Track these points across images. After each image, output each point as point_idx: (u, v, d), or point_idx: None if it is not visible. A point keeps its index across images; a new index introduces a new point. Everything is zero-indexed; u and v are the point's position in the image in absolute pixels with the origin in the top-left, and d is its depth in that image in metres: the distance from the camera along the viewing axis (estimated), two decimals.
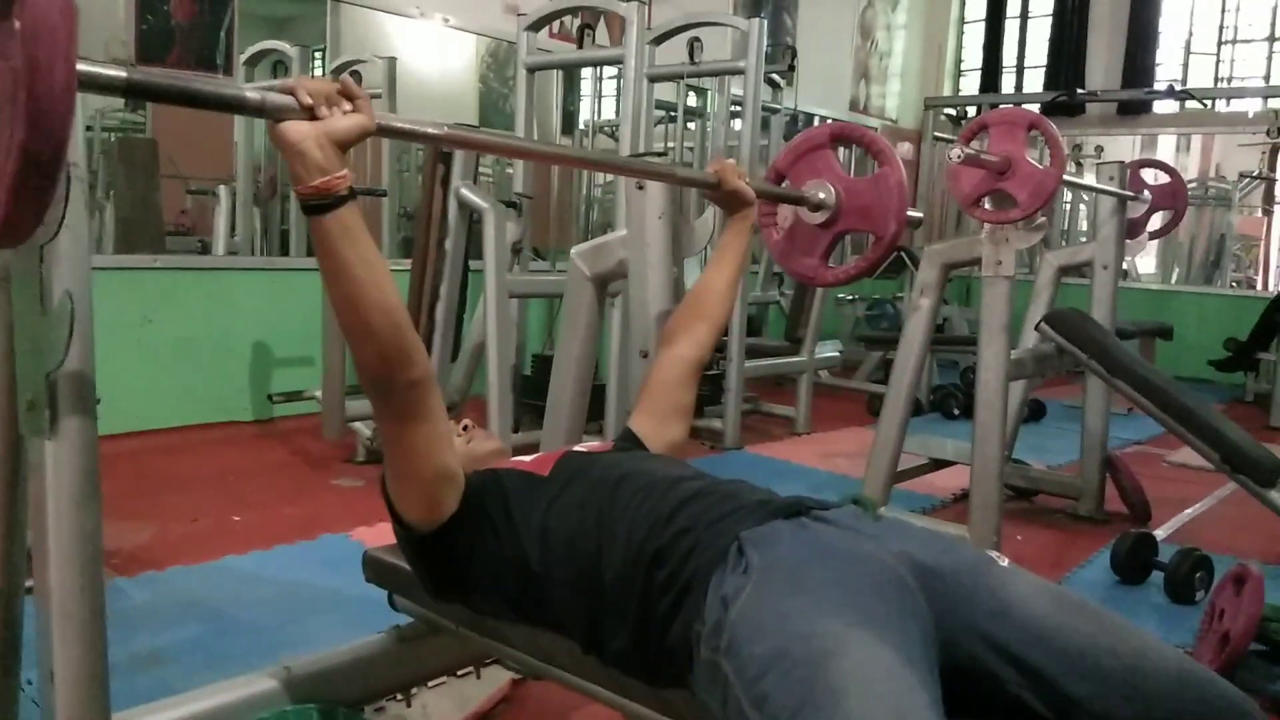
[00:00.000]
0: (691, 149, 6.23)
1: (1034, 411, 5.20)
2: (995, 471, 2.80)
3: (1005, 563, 1.22)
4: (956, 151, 2.44)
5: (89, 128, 5.06)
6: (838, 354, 5.41)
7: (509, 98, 5.67)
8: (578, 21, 4.44)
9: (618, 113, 5.19)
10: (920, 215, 1.82)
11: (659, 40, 4.58)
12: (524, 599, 1.32)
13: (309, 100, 1.07)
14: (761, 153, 6.67)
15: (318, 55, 5.40)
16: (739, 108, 6.76)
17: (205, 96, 1.05)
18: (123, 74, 0.96)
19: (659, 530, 1.21)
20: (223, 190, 5.06)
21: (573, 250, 2.01)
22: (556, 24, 5.07)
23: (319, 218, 1.09)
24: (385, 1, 5.24)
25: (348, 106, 1.10)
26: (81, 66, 0.88)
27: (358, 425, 3.83)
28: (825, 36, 7.65)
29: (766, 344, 5.52)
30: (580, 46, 4.08)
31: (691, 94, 6.10)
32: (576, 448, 1.54)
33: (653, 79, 4.63)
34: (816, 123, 7.61)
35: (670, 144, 6.09)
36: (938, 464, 3.51)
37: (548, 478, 1.37)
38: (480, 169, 3.75)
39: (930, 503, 3.58)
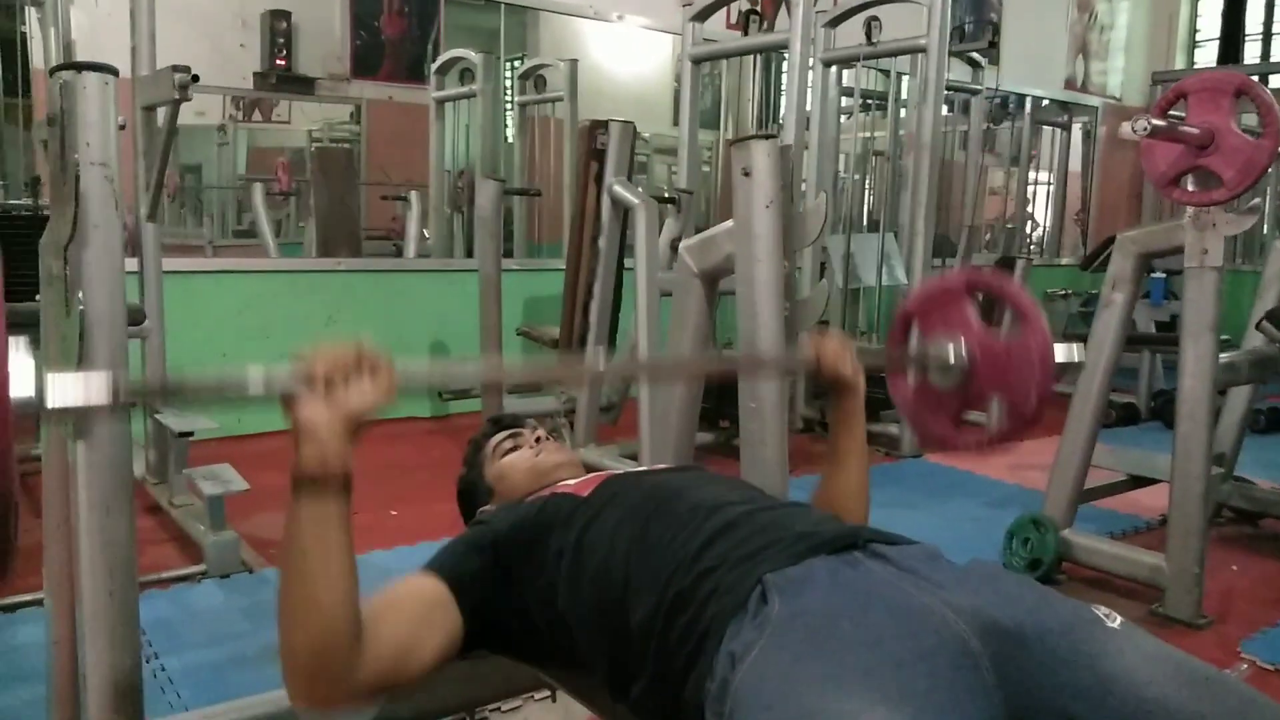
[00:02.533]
0: (870, 137, 5.90)
1: (1271, 421, 4.55)
2: (1198, 491, 2.43)
3: (1116, 623, 0.98)
4: (1141, 123, 2.10)
5: (317, 138, 5.42)
6: None
7: (705, 94, 5.58)
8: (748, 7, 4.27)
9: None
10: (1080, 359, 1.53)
11: (836, 22, 4.36)
12: (553, 640, 1.19)
13: (319, 380, 0.97)
14: (961, 138, 6.27)
15: (513, 62, 5.53)
16: (945, 91, 6.44)
17: (205, 390, 0.96)
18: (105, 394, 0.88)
19: (685, 569, 1.06)
20: (413, 195, 5.26)
21: (680, 244, 1.88)
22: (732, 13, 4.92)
23: (305, 499, 0.98)
24: (582, 8, 5.27)
25: (366, 378, 0.99)
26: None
27: None
28: (1035, 11, 7.06)
29: None
30: (745, 33, 3.91)
31: (884, 78, 5.79)
32: (632, 469, 1.41)
33: (828, 63, 4.43)
34: (1029, 105, 7.04)
35: (864, 133, 5.80)
36: (1138, 481, 3.10)
37: (587, 499, 1.25)
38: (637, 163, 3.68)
39: (1130, 525, 3.17)
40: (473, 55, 5.10)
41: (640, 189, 3.15)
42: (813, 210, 1.88)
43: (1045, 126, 7.37)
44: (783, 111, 4.73)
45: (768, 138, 1.69)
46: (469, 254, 5.13)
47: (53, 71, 1.11)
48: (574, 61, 5.37)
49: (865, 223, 5.60)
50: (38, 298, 2.75)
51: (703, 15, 4.03)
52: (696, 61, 4.10)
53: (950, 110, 6.80)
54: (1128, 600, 2.57)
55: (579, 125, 4.85)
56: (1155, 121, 2.12)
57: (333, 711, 1.01)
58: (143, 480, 3.28)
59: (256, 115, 5.28)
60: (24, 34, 3.83)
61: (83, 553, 1.13)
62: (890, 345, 1.61)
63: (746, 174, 1.73)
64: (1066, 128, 7.36)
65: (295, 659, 0.99)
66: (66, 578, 1.22)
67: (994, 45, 5.37)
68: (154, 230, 3.07)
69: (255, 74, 4.78)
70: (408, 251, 5.15)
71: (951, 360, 1.47)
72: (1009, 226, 6.44)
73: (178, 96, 2.66)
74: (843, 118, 5.37)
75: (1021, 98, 7.04)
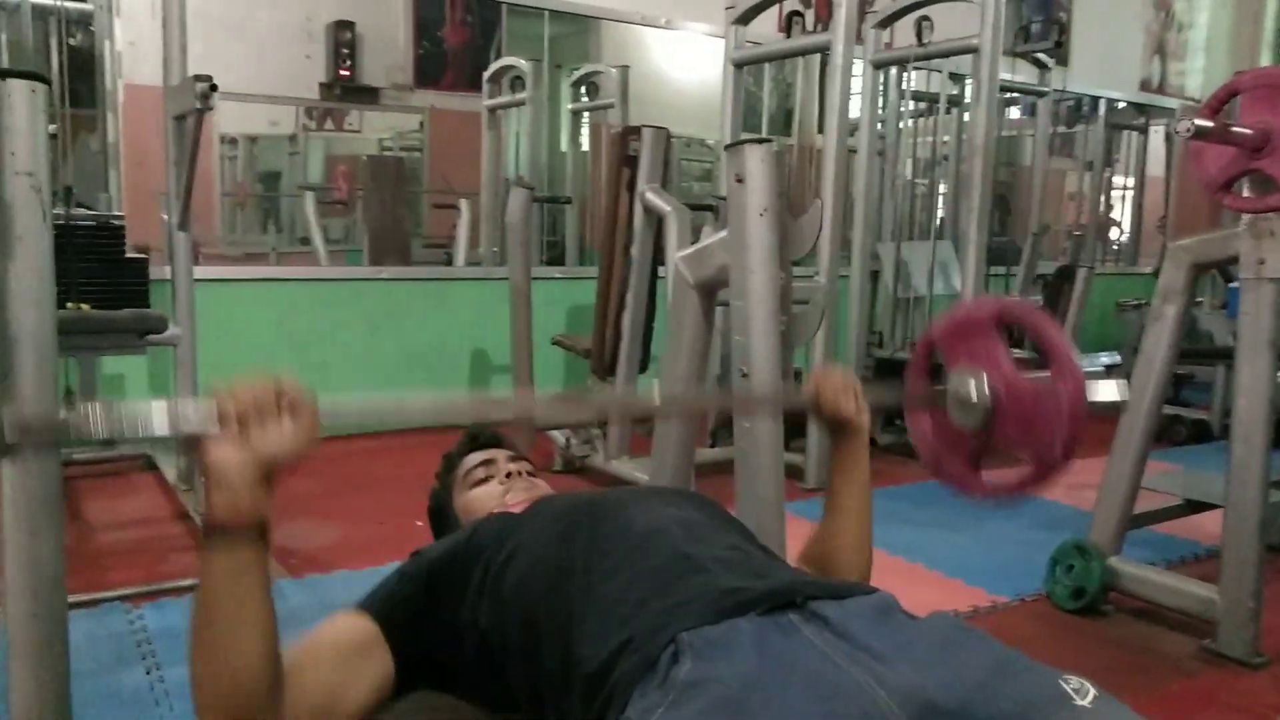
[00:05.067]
0: (943, 141, 5.72)
1: None
2: (1254, 519, 2.25)
3: (1088, 699, 0.85)
4: (1185, 124, 1.95)
5: (387, 147, 5.48)
6: (1102, 368, 4.72)
7: (772, 98, 5.47)
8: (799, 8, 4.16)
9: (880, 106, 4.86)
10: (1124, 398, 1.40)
11: (886, 23, 4.22)
12: (483, 673, 1.11)
13: (232, 420, 0.89)
14: (1029, 142, 6.04)
15: (574, 70, 5.52)
16: (1011, 94, 6.20)
17: (103, 429, 0.87)
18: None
19: (600, 613, 0.97)
20: (463, 204, 5.26)
21: (676, 255, 1.79)
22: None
23: (215, 546, 0.91)
24: (641, 15, 5.23)
25: (286, 419, 0.91)
26: None
27: (554, 434, 3.80)
28: (1108, 10, 6.78)
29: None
30: (789, 35, 3.80)
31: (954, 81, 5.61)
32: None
33: (878, 65, 4.30)
34: (1102, 108, 6.77)
35: (927, 137, 5.63)
36: (1196, 505, 2.91)
37: (518, 517, 1.17)
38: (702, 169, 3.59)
39: (1186, 552, 2.97)
40: (523, 63, 5.09)
41: (708, 197, 3.06)
42: (809, 219, 1.78)
43: (1124, 130, 7.09)
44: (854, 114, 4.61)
45: (761, 142, 1.60)
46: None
47: None
48: (625, 68, 5.32)
49: (936, 229, 5.41)
50: (69, 305, 2.78)
51: (746, 18, 3.94)
52: (739, 65, 4.00)
53: (1023, 114, 6.58)
54: (1178, 634, 2.40)
55: (611, 131, 4.81)
56: (1201, 122, 1.96)
57: None
58: (174, 487, 3.32)
59: (329, 125, 5.36)
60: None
61: (8, 574, 1.10)
62: (911, 374, 1.50)
63: (740, 180, 1.64)
64: (1144, 131, 7.06)
65: (207, 711, 0.93)
66: None
67: (1060, 45, 5.16)
68: (185, 239, 3.10)
69: (320, 84, 4.84)
70: (457, 260, 5.15)
71: (973, 399, 1.36)
72: (1076, 234, 6.18)
73: (199, 106, 2.68)
74: (908, 121, 5.21)
75: (1096, 100, 6.77)
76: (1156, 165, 7.22)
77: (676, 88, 5.75)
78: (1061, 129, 6.63)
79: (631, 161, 3.30)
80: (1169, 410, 4.84)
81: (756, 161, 1.60)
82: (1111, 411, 1.39)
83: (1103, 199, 7.06)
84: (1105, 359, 4.94)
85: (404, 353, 4.34)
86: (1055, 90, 5.73)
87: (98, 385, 3.36)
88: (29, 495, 1.10)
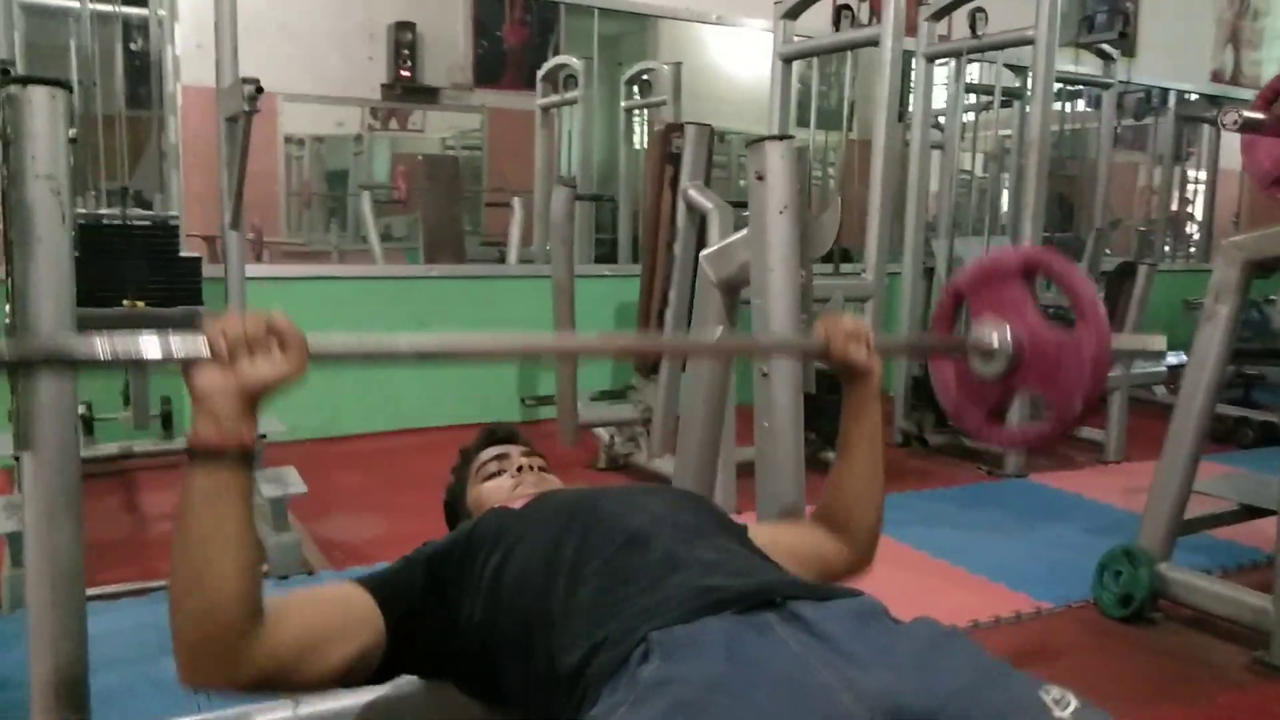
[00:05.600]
0: (988, 135, 5.59)
1: None
2: None
3: (1068, 710, 0.83)
4: (1232, 116, 1.88)
5: (450, 146, 5.56)
6: (1164, 368, 4.56)
7: (829, 94, 5.41)
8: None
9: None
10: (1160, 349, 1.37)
11: (939, 15, 4.15)
12: (478, 665, 1.12)
13: (222, 349, 0.93)
14: (1093, 135, 5.87)
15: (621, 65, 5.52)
16: (1075, 86, 6.04)
17: (95, 355, 0.92)
18: None
19: (581, 614, 0.98)
20: (516, 202, 5.30)
21: (701, 253, 1.78)
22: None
23: (196, 467, 0.95)
24: (691, 11, 5.21)
25: (275, 351, 0.95)
26: None
27: (599, 431, 3.81)
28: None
29: None
30: (837, 29, 3.75)
31: (1009, 72, 5.48)
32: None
33: (931, 58, 4.22)
34: (1171, 100, 6.55)
35: (986, 131, 5.51)
36: (1251, 511, 2.80)
37: (518, 513, 1.18)
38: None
39: (1244, 559, 2.87)
40: (575, 62, 5.10)
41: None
42: (828, 217, 1.76)
43: (1196, 123, 6.85)
44: (909, 108, 4.54)
45: (782, 139, 1.59)
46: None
47: (4, 83, 1.12)
48: (678, 64, 5.29)
49: (1001, 225, 5.29)
50: (124, 303, 2.86)
51: (794, 12, 3.90)
52: (787, 60, 3.97)
53: (1089, 106, 6.40)
54: (1229, 645, 2.32)
55: (654, 128, 4.79)
56: (1249, 114, 1.89)
57: (217, 691, 0.99)
58: None
59: (394, 124, 5.45)
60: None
61: (29, 564, 1.14)
62: (935, 323, 1.48)
63: (760, 178, 1.62)
64: (1215, 123, 6.81)
65: (181, 634, 0.96)
66: None
67: (1125, 36, 5.01)
68: (237, 237, 3.17)
69: (382, 85, 4.93)
70: (510, 257, 5.19)
71: (995, 346, 1.34)
72: (1140, 229, 5.99)
73: (247, 108, 2.74)
74: (971, 114, 5.09)
75: (1166, 92, 6.55)
76: (1232, 159, 6.97)
77: (732, 82, 5.72)
78: (1130, 122, 6.43)
79: (674, 159, 3.29)
80: (1236, 412, 4.68)
81: (776, 158, 1.58)
82: (1150, 360, 1.36)
83: (1176, 194, 6.83)
84: (1172, 359, 4.77)
85: None
86: (1121, 82, 5.57)
87: (149, 379, 3.44)
88: (48, 488, 1.14)
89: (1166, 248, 6.66)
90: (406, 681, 1.46)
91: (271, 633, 0.98)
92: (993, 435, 1.45)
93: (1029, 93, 5.18)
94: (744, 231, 1.67)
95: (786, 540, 1.34)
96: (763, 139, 1.59)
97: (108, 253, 2.82)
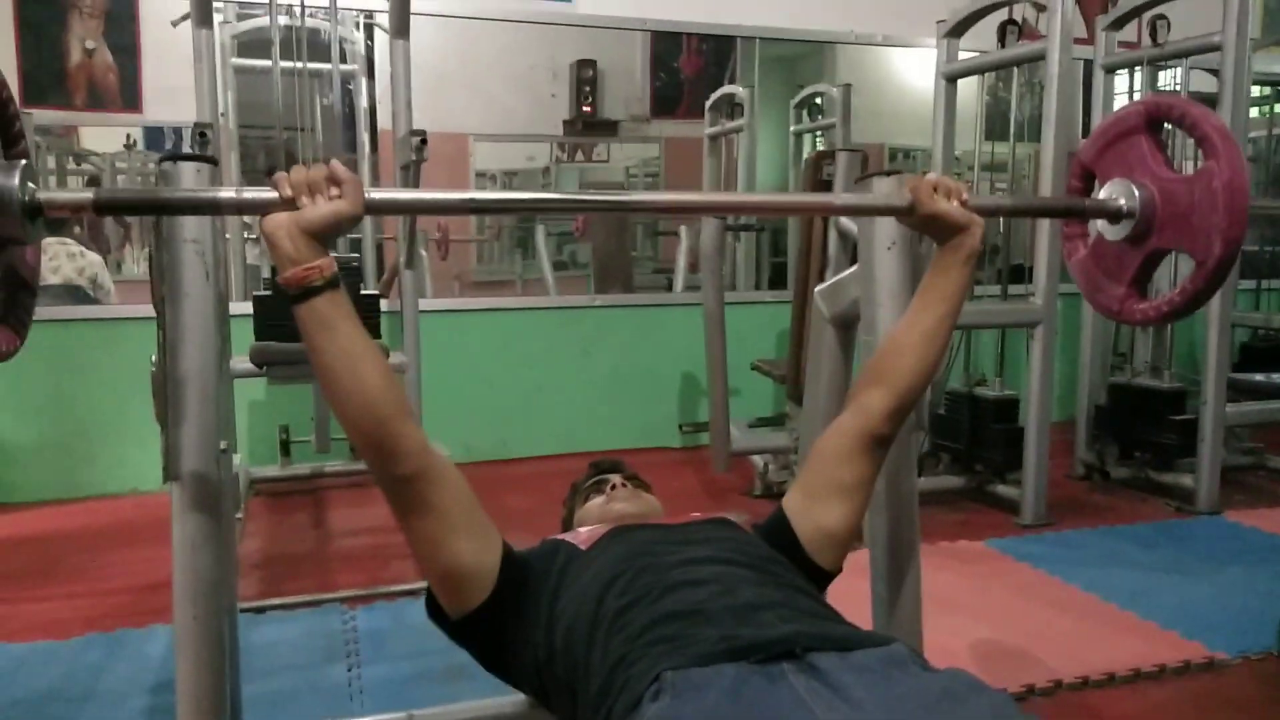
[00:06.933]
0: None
1: None
2: None
3: None
4: None
5: (633, 175, 5.77)
6: None
7: (1025, 103, 5.21)
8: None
9: None
10: None
11: (1119, 24, 3.94)
12: (542, 691, 1.19)
13: (288, 191, 1.08)
14: None
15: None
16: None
17: (176, 203, 1.11)
18: (89, 195, 1.06)
19: (616, 652, 1.03)
20: (683, 231, 5.40)
21: (816, 289, 1.79)
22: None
23: (295, 306, 1.10)
24: (864, 35, 5.19)
25: (334, 192, 1.09)
26: (47, 195, 1.03)
27: (754, 460, 3.82)
28: None
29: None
30: (1003, 45, 3.62)
31: (1212, 77, 5.09)
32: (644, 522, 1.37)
33: (1110, 68, 4.01)
34: None
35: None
36: None
37: (584, 553, 1.24)
38: None
39: None
40: (740, 90, 5.16)
41: None
42: (928, 253, 1.71)
43: None
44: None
45: (889, 174, 1.58)
46: (731, 287, 5.17)
47: (159, 161, 1.29)
48: (847, 86, 5.26)
49: None
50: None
51: (957, 31, 3.81)
52: (950, 79, 3.87)
53: None
54: None
55: (806, 157, 4.76)
56: None
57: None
58: None
59: (579, 156, 5.70)
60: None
61: (175, 580, 1.30)
62: (1066, 192, 1.42)
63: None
64: None
65: (356, 432, 1.14)
66: None
67: None
68: (411, 276, 3.41)
69: (564, 121, 5.17)
70: (677, 285, 5.29)
71: (1122, 204, 1.28)
72: None
73: (415, 157, 2.95)
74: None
75: None
76: None
77: (916, 98, 5.61)
78: None
79: (826, 186, 3.27)
80: None
81: (882, 195, 1.57)
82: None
83: None
84: None
85: (614, 375, 4.53)
86: None
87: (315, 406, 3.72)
88: (192, 514, 1.29)
89: None
90: (509, 701, 1.56)
91: (411, 469, 1.14)
92: (1135, 312, 1.36)
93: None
94: (855, 268, 1.67)
95: (814, 469, 1.35)
96: (870, 175, 1.58)
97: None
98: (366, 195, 1.13)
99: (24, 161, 1.06)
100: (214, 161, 1.31)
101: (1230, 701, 2.19)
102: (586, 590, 1.16)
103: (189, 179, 1.27)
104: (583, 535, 1.34)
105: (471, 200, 1.27)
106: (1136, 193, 1.29)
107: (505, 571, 1.22)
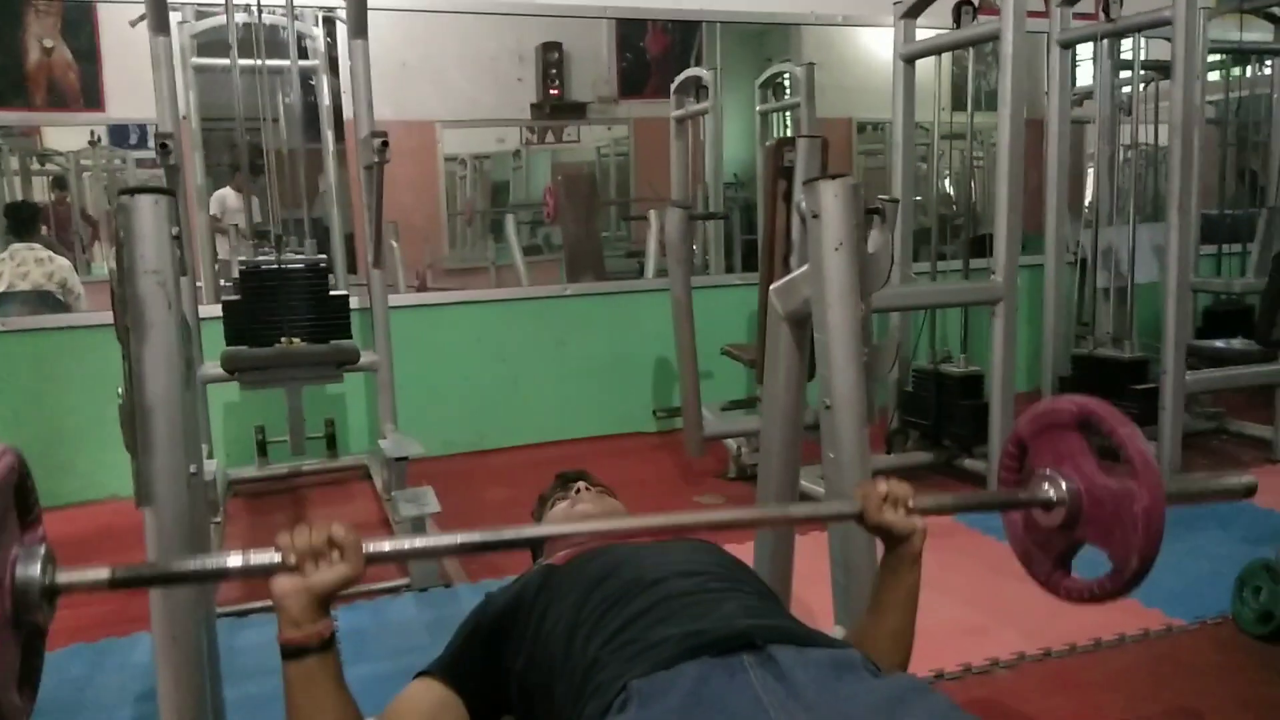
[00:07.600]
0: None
1: None
2: None
3: None
4: None
5: (604, 155, 5.77)
6: None
7: (990, 74, 5.23)
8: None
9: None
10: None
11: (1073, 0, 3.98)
12: (521, 710, 1.26)
13: (293, 561, 1.11)
14: (1265, 103, 5.43)
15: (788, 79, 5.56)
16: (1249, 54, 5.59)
17: (189, 575, 1.15)
18: (105, 575, 1.06)
19: (591, 654, 1.09)
20: (652, 215, 5.42)
21: (771, 286, 1.83)
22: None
23: (285, 661, 1.14)
24: (824, 16, 5.22)
25: (335, 555, 1.12)
26: (66, 578, 1.04)
27: (728, 443, 3.88)
28: None
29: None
30: (958, 25, 3.66)
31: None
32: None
33: (1065, 44, 4.07)
34: None
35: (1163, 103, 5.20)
36: None
37: (558, 569, 1.30)
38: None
39: None
40: (704, 73, 5.18)
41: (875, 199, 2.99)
42: (880, 250, 1.76)
43: None
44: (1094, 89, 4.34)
45: (836, 177, 1.62)
46: (705, 269, 5.21)
47: (118, 195, 1.32)
48: (810, 65, 5.28)
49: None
50: (282, 339, 3.12)
51: (914, 12, 3.84)
52: (908, 60, 3.91)
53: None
54: None
55: (767, 144, 4.78)
56: None
57: None
58: (381, 496, 3.69)
59: (550, 138, 5.70)
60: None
61: (151, 603, 1.34)
62: (1001, 469, 1.50)
63: (815, 216, 1.66)
64: None
65: None
66: None
67: None
68: (379, 275, 3.44)
69: (531, 104, 5.17)
70: (648, 270, 5.31)
71: (1053, 496, 1.36)
72: None
73: (377, 159, 2.97)
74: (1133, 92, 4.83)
75: None
76: None
77: (873, 75, 5.64)
78: None
79: (787, 172, 3.30)
80: None
81: (830, 197, 1.62)
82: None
83: None
84: None
85: (588, 363, 4.58)
86: None
87: (305, 408, 3.73)
88: (166, 535, 1.33)
89: None
90: None
91: None
92: (1062, 589, 1.44)
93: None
94: (805, 267, 1.71)
95: None
96: (817, 179, 1.63)
97: (265, 295, 3.09)
98: (365, 551, 1.16)
99: (44, 547, 1.05)
100: (171, 193, 1.34)
101: (1188, 666, 2.27)
102: (567, 598, 1.22)
103: (147, 211, 1.30)
104: (561, 555, 1.40)
105: (461, 543, 1.26)
106: (1065, 486, 1.36)
107: (466, 691, 1.30)
